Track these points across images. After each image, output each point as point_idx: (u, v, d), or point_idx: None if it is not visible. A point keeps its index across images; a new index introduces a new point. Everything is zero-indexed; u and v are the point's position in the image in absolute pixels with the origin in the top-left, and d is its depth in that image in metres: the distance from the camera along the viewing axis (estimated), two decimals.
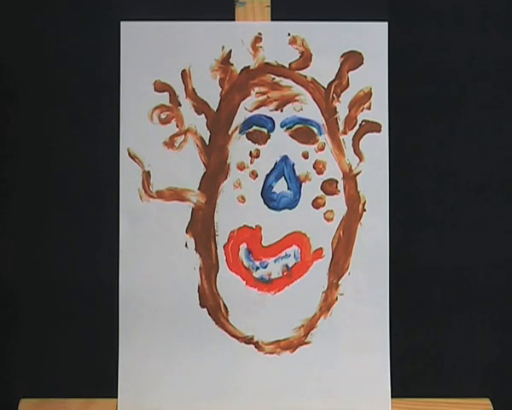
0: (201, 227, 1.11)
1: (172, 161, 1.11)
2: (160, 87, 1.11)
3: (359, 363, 1.11)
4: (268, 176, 1.11)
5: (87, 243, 1.14)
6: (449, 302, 1.14)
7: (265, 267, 1.11)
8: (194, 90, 1.11)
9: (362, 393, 1.11)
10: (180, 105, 1.11)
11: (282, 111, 1.11)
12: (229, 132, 1.11)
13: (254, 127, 1.11)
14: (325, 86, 1.11)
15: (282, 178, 1.11)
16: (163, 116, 1.11)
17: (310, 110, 1.11)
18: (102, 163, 1.13)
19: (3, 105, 1.14)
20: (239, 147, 1.11)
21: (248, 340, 1.11)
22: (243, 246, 1.11)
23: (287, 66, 1.11)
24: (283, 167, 1.11)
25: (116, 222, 1.11)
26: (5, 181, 1.14)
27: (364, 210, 1.11)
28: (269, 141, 1.11)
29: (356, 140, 1.11)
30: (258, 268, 1.11)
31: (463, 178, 1.14)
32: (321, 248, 1.11)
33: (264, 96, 1.11)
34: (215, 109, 1.11)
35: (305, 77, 1.11)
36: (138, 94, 1.11)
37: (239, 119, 1.11)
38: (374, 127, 1.11)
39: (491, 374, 1.14)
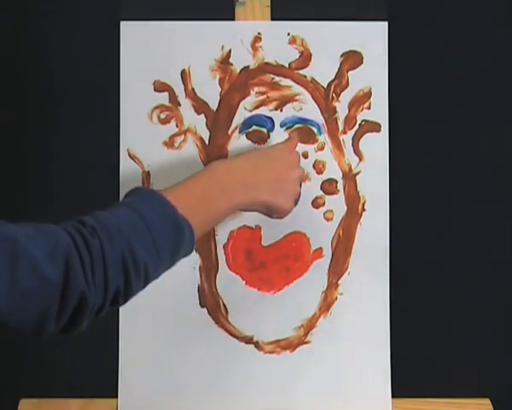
0: None
1: (172, 161, 1.11)
2: (160, 87, 1.11)
3: (359, 363, 1.11)
4: None
5: None
6: (449, 302, 1.13)
7: (265, 267, 1.11)
8: (193, 89, 1.11)
9: (362, 393, 1.11)
10: (180, 105, 1.11)
11: (281, 111, 1.11)
12: (229, 132, 1.11)
13: (254, 127, 1.11)
14: (325, 86, 1.11)
15: None
16: (163, 116, 1.11)
17: (309, 110, 1.11)
18: (102, 163, 1.13)
19: (3, 105, 1.14)
20: (239, 147, 1.11)
21: (248, 340, 1.11)
22: (243, 246, 1.11)
23: (286, 65, 1.11)
24: None
25: None
26: (4, 181, 1.14)
27: (364, 210, 1.11)
28: (268, 141, 1.11)
29: (356, 140, 1.11)
30: (257, 268, 1.11)
31: (463, 178, 1.14)
32: (320, 248, 1.11)
33: (264, 96, 1.11)
34: (215, 109, 1.11)
35: (305, 77, 1.11)
36: (138, 94, 1.11)
37: (238, 118, 1.11)
38: (373, 127, 1.11)
39: (491, 374, 1.14)
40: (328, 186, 1.11)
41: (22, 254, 0.75)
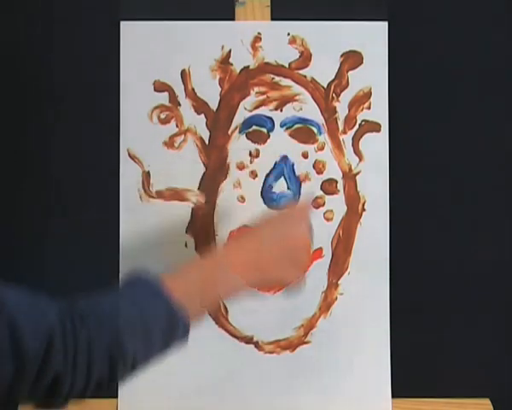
0: (201, 227, 1.11)
1: (172, 161, 1.11)
2: (160, 87, 1.11)
3: (359, 363, 1.11)
4: (268, 176, 1.11)
5: (87, 242, 1.14)
6: (449, 302, 1.13)
7: None
8: (193, 89, 1.11)
9: (362, 393, 1.11)
10: (180, 105, 1.11)
11: (281, 111, 1.11)
12: (229, 132, 1.11)
13: (254, 127, 1.11)
14: (325, 86, 1.11)
15: (282, 177, 1.11)
16: (163, 116, 1.11)
17: (309, 110, 1.11)
18: (102, 163, 1.13)
19: (3, 105, 1.14)
20: (239, 147, 1.11)
21: (248, 340, 1.11)
22: None
23: (286, 65, 1.11)
24: (283, 167, 1.11)
25: (116, 222, 1.11)
26: (4, 181, 1.14)
27: (364, 210, 1.11)
28: (268, 141, 1.11)
29: (355, 140, 1.11)
30: None
31: (463, 178, 1.14)
32: (320, 248, 1.11)
33: (264, 96, 1.11)
34: (215, 109, 1.11)
35: (305, 77, 1.11)
36: (138, 94, 1.11)
37: (238, 118, 1.11)
38: (373, 127, 1.11)
39: (491, 374, 1.14)
40: (328, 186, 1.11)
41: (5, 320, 0.74)
